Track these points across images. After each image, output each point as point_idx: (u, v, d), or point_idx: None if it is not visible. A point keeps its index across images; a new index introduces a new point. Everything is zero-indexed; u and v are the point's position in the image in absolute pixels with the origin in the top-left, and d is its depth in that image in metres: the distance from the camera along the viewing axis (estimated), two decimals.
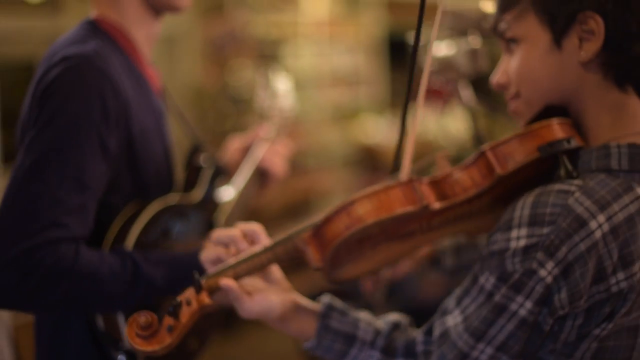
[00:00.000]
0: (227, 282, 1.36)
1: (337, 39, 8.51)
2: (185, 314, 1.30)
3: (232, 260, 1.38)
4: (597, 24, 1.25)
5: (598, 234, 1.18)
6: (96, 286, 1.56)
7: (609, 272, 1.20)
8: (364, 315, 1.45)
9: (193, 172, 1.92)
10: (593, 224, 1.18)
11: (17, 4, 5.68)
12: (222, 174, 1.99)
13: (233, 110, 6.79)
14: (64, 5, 5.79)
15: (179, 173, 1.94)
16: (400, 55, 9.05)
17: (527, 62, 1.32)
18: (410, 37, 2.03)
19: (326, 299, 1.45)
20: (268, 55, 7.61)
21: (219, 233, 1.45)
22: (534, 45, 1.31)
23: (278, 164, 2.11)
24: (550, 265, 1.18)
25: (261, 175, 2.10)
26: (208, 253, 1.45)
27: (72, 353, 1.73)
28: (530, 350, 1.24)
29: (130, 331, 1.29)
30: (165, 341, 1.29)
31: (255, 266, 1.36)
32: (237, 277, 1.37)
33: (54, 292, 1.52)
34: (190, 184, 1.90)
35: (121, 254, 1.62)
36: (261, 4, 7.61)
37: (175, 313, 1.30)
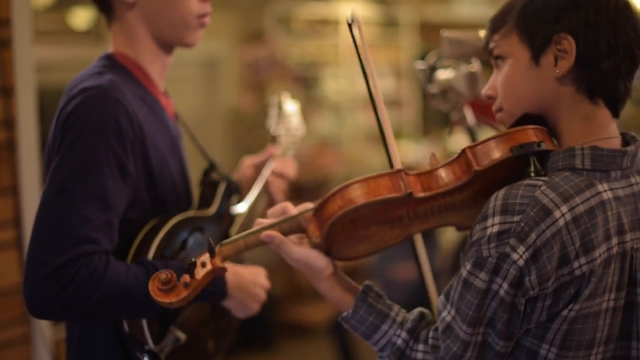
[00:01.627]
0: (267, 232, 1.52)
1: (374, 62, 8.58)
2: (200, 273, 1.47)
3: (243, 233, 1.55)
4: (570, 44, 1.44)
5: (561, 222, 1.35)
6: (124, 294, 1.72)
7: (572, 256, 1.36)
8: (397, 307, 1.56)
9: (208, 189, 2.08)
10: (557, 213, 1.36)
11: (63, 33, 5.89)
12: (236, 190, 2.14)
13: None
14: (108, 35, 5.98)
15: (195, 190, 2.08)
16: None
17: (510, 77, 1.51)
18: (420, 63, 2.16)
19: (367, 282, 1.57)
20: (307, 78, 7.73)
21: (273, 208, 1.60)
22: (516, 62, 1.50)
23: (277, 183, 2.25)
24: (521, 249, 1.35)
25: (266, 189, 2.23)
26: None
27: (100, 355, 1.89)
28: (512, 331, 1.39)
29: (152, 285, 1.46)
30: (181, 294, 1.46)
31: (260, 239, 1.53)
32: (247, 248, 1.54)
33: (88, 301, 1.68)
34: (205, 200, 2.05)
35: (144, 264, 1.78)
36: (301, 29, 7.73)
37: (191, 271, 1.47)
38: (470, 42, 1.99)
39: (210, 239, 1.52)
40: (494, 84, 1.56)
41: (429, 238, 5.13)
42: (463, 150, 1.46)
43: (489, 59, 1.58)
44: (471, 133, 2.16)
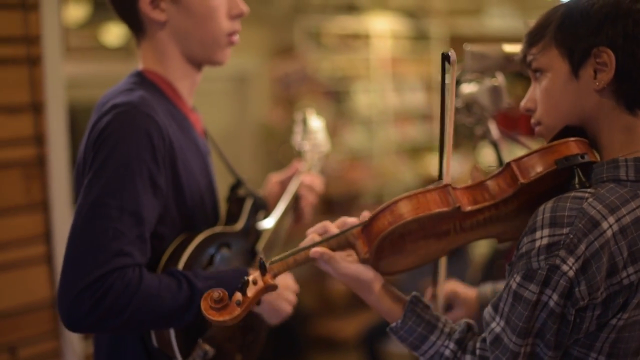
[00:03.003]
0: (316, 249, 1.55)
1: (404, 76, 8.61)
2: (252, 290, 1.50)
3: (292, 250, 1.58)
4: (609, 57, 1.46)
5: (609, 233, 1.38)
6: (159, 305, 1.74)
7: (620, 266, 1.39)
8: (444, 318, 1.59)
9: (235, 205, 2.09)
10: (605, 225, 1.38)
11: (95, 49, 5.95)
12: (262, 206, 2.14)
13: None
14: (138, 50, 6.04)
15: (222, 206, 2.09)
16: None
17: (550, 90, 1.54)
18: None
19: (415, 293, 1.59)
20: (337, 92, 7.75)
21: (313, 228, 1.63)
22: (555, 75, 1.52)
23: (309, 198, 2.26)
24: (571, 261, 1.37)
25: (295, 208, 2.25)
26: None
27: None
28: (561, 340, 1.41)
29: (205, 304, 1.48)
30: (234, 312, 1.48)
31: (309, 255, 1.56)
32: (296, 265, 1.57)
33: (124, 313, 1.70)
34: (232, 216, 2.07)
35: (176, 275, 1.79)
36: (332, 43, 7.75)
37: (243, 290, 1.50)
38: (494, 56, 1.99)
39: (261, 257, 1.54)
40: (533, 96, 1.58)
41: (460, 253, 5.12)
42: (508, 164, 1.49)
43: (526, 71, 1.59)
44: (495, 147, 2.15)
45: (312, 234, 1.61)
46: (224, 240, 1.96)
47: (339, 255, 1.56)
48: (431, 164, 8.57)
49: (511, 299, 1.42)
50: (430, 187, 1.50)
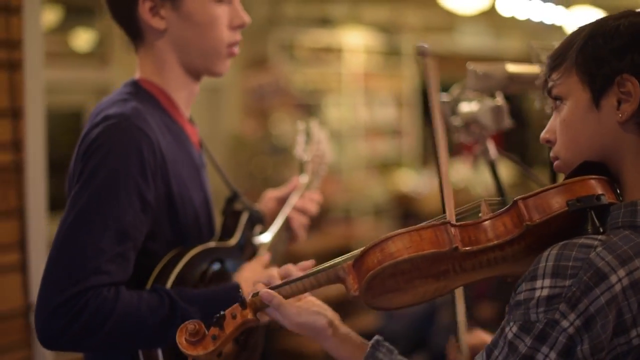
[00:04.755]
0: (267, 291, 1.44)
1: (376, 90, 8.62)
2: (230, 325, 1.43)
3: (278, 283, 1.49)
4: (634, 87, 1.33)
5: (618, 288, 1.24)
6: (137, 324, 1.68)
7: (629, 324, 1.25)
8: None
9: (230, 218, 2.03)
10: (613, 278, 1.24)
11: (67, 55, 5.88)
12: (259, 220, 2.10)
13: (273, 159, 6.91)
14: (112, 56, 5.98)
15: (217, 220, 2.04)
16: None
17: (569, 120, 1.40)
18: (443, 95, 2.14)
19: (376, 337, 1.50)
20: (309, 105, 7.74)
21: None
22: (575, 104, 1.39)
23: (299, 217, 2.20)
24: (572, 316, 1.24)
25: (287, 228, 2.19)
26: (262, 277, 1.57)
27: None
28: None
29: (179, 336, 1.42)
30: (208, 347, 1.42)
31: (299, 289, 1.47)
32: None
33: (99, 332, 1.65)
34: (227, 230, 2.01)
35: (158, 291, 1.74)
36: (304, 56, 7.74)
37: (220, 324, 1.43)
38: (498, 76, 1.96)
39: (241, 290, 1.48)
40: (553, 127, 1.45)
41: None
42: (515, 202, 1.35)
43: (546, 97, 1.48)
44: (493, 166, 2.13)
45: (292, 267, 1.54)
46: (217, 256, 1.90)
47: (289, 302, 1.46)
48: (400, 180, 8.59)
49: (507, 349, 1.28)
50: (426, 224, 1.37)
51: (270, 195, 2.29)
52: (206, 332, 1.42)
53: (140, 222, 1.73)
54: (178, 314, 1.70)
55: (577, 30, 1.44)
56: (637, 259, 1.26)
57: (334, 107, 8.15)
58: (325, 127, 7.66)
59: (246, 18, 1.94)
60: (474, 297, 5.39)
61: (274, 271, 1.78)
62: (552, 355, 1.25)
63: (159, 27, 1.87)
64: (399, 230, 1.36)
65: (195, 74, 1.96)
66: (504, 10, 7.83)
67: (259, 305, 1.46)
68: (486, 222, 1.37)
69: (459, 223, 1.38)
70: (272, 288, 1.47)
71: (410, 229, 1.36)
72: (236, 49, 1.94)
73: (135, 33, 1.92)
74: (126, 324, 1.67)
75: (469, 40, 9.89)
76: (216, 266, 1.89)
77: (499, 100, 2.04)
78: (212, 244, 1.92)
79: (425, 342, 5.49)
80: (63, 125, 5.66)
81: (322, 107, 7.99)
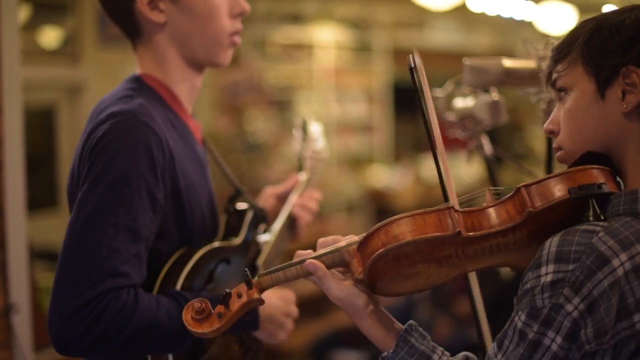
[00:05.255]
0: (312, 261, 1.43)
1: (347, 86, 8.63)
2: (235, 304, 1.41)
3: (283, 264, 1.47)
4: (639, 78, 1.35)
5: (620, 272, 1.26)
6: (155, 329, 1.65)
7: (632, 308, 1.27)
8: (441, 348, 1.48)
9: (234, 217, 1.99)
10: (615, 262, 1.26)
11: (37, 53, 5.80)
12: (263, 219, 2.06)
13: (247, 155, 6.88)
14: (83, 54, 5.92)
15: (221, 219, 2.00)
16: (404, 104, 9.23)
17: (574, 111, 1.42)
18: (438, 91, 2.13)
19: (410, 322, 1.49)
20: (282, 102, 7.73)
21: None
22: (580, 95, 1.41)
23: (305, 215, 2.18)
24: (576, 300, 1.26)
25: (292, 222, 2.17)
26: None
27: None
28: None
29: (186, 314, 1.40)
30: (214, 325, 1.40)
31: (305, 271, 1.45)
32: (286, 280, 1.45)
33: (118, 337, 1.61)
34: (231, 229, 1.97)
35: (175, 296, 1.70)
36: (276, 52, 7.72)
37: (225, 302, 1.41)
38: (494, 71, 1.94)
39: (246, 269, 1.45)
40: (557, 118, 1.46)
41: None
42: (518, 189, 1.37)
43: (550, 90, 1.49)
44: (488, 162, 2.12)
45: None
46: (223, 256, 1.87)
47: (334, 274, 1.46)
48: (373, 176, 8.59)
49: (517, 338, 1.31)
50: (432, 208, 1.38)
51: (270, 192, 2.26)
52: (212, 310, 1.41)
53: (151, 222, 1.69)
54: None
55: (581, 24, 1.46)
56: (638, 244, 1.28)
57: (305, 103, 8.13)
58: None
59: (246, 5, 1.90)
60: (451, 293, 5.40)
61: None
62: (558, 339, 1.27)
63: (159, 21, 1.83)
64: (404, 214, 1.38)
65: (197, 66, 1.91)
66: (475, 6, 7.86)
67: (265, 285, 1.45)
68: (489, 209, 1.39)
69: (462, 209, 1.40)
70: (279, 269, 1.46)
71: (414, 212, 1.38)
72: (238, 38, 1.91)
73: (134, 29, 1.87)
74: (145, 329, 1.63)
75: (440, 36, 9.92)
76: (223, 266, 1.86)
77: (496, 95, 2.03)
78: (217, 243, 1.88)
79: None
80: (34, 123, 5.58)
81: (294, 104, 7.98)
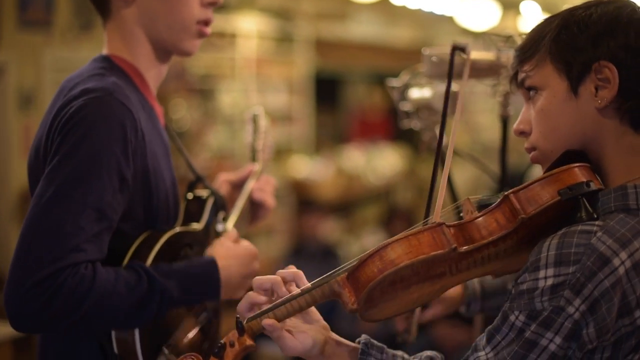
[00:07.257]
0: (269, 322, 1.39)
1: (268, 77, 8.60)
2: (229, 355, 1.38)
3: (272, 304, 1.43)
4: (611, 72, 1.35)
5: (621, 270, 1.27)
6: (115, 301, 1.63)
7: (633, 305, 1.29)
8: (400, 353, 1.48)
9: (194, 203, 1.98)
10: (616, 261, 1.27)
11: None
12: (223, 206, 2.06)
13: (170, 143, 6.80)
14: (3, 37, 5.75)
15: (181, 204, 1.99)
16: (325, 95, 9.26)
17: (547, 110, 1.41)
18: (393, 81, 2.14)
19: (364, 338, 1.47)
20: (204, 90, 7.66)
21: (260, 279, 1.47)
22: (552, 93, 1.40)
23: (268, 198, 2.19)
24: (577, 302, 1.27)
25: (252, 209, 2.17)
26: (244, 300, 1.48)
27: None
28: None
29: None
30: None
31: (294, 309, 1.41)
32: (277, 320, 1.41)
33: (76, 312, 1.58)
34: (190, 214, 1.96)
35: (135, 268, 1.69)
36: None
37: (219, 354, 1.38)
38: (455, 62, 1.95)
39: (238, 316, 1.43)
40: (527, 118, 1.45)
41: None
42: (506, 196, 1.37)
43: (516, 89, 1.48)
44: (441, 154, 2.13)
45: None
46: (187, 241, 1.87)
47: (289, 328, 1.42)
48: (294, 166, 8.59)
49: (513, 335, 1.31)
50: (422, 227, 1.36)
51: (224, 178, 2.26)
52: None
53: (117, 202, 1.67)
54: (157, 289, 1.67)
55: (545, 22, 1.45)
56: (635, 241, 1.30)
57: (226, 93, 8.06)
58: (218, 113, 7.61)
59: None
60: None
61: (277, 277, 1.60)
62: (557, 339, 1.28)
63: None
64: (395, 237, 1.35)
65: (163, 52, 1.90)
66: (396, 0, 7.94)
67: (256, 329, 1.41)
68: (479, 220, 1.38)
69: (453, 223, 1.39)
70: (269, 310, 1.42)
71: (406, 234, 1.35)
72: (207, 29, 1.89)
73: (102, 4, 1.85)
74: (104, 302, 1.61)
75: (362, 29, 9.97)
76: (187, 251, 1.85)
77: (455, 86, 2.04)
78: (180, 228, 1.88)
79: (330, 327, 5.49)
80: None
81: (217, 93, 7.91)
